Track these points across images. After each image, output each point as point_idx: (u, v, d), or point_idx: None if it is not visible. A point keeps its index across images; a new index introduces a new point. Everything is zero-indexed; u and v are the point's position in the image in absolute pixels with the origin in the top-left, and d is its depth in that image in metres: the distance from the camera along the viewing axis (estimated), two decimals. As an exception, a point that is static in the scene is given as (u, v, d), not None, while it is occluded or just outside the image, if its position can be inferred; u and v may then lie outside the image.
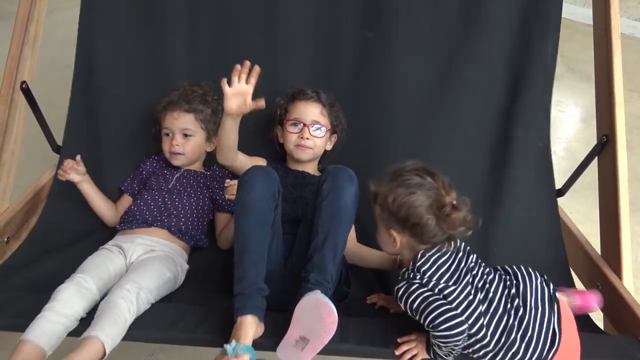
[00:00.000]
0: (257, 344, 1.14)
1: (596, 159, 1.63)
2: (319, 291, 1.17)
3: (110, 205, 1.61)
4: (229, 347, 1.10)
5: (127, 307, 1.16)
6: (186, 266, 1.47)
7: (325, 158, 1.70)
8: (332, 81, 1.75)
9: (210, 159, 1.70)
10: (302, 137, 1.59)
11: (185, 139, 1.60)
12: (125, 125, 1.72)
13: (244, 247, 1.23)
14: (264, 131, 1.71)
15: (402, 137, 1.75)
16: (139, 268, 1.33)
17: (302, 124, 1.60)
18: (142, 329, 1.18)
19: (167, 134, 1.61)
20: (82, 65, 1.71)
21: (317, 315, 1.11)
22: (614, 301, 1.39)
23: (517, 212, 1.67)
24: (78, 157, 1.54)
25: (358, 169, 1.33)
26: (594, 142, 1.63)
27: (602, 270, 1.48)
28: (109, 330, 1.12)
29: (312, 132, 1.59)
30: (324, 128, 1.61)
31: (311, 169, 1.65)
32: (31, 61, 1.61)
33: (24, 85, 1.58)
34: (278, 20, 1.76)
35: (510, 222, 1.66)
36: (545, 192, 1.70)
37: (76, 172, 1.53)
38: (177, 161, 1.62)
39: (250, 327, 1.15)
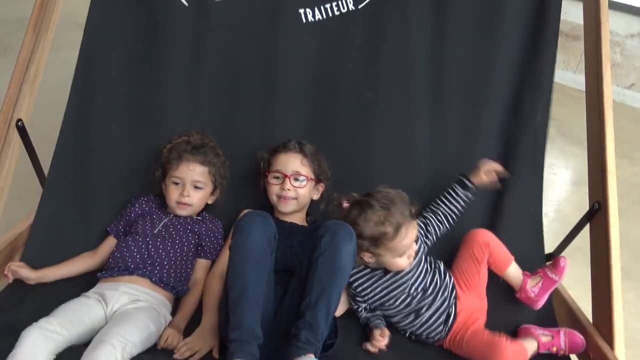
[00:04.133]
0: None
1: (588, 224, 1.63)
2: (312, 356, 1.14)
3: (82, 261, 1.56)
4: None
5: None
6: (169, 317, 1.43)
7: (313, 208, 1.69)
8: (329, 138, 1.76)
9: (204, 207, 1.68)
10: (283, 189, 1.59)
11: (195, 190, 1.59)
12: (115, 166, 1.71)
13: (241, 293, 1.22)
14: (252, 181, 1.70)
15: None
16: (123, 320, 1.29)
17: (282, 176, 1.60)
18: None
19: (177, 183, 1.59)
20: (76, 100, 1.70)
21: None
22: (606, 372, 1.37)
23: None
24: (19, 263, 1.48)
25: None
26: (585, 204, 1.64)
27: (594, 339, 1.46)
28: None
29: (292, 183, 1.60)
30: (305, 178, 1.61)
31: (298, 219, 1.65)
32: (29, 99, 1.62)
33: (19, 123, 1.57)
34: (277, 75, 1.78)
35: (499, 287, 1.63)
36: (536, 257, 1.69)
37: (21, 272, 1.46)
38: (183, 212, 1.59)
39: None
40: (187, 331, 1.39)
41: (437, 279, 1.51)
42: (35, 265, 1.52)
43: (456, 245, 1.62)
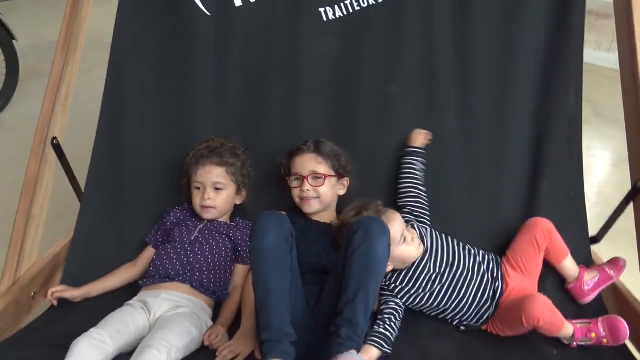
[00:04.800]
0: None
1: (631, 204, 1.57)
2: (354, 352, 1.13)
3: (124, 273, 1.60)
4: None
5: None
6: (211, 322, 1.45)
7: (343, 205, 1.67)
8: (354, 134, 1.76)
9: (235, 210, 1.70)
10: (302, 190, 1.60)
11: (216, 192, 1.60)
12: (149, 178, 1.74)
13: (265, 294, 1.22)
14: (281, 183, 1.70)
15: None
16: (166, 325, 1.31)
17: (301, 177, 1.61)
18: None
19: (198, 188, 1.62)
20: (107, 117, 1.75)
21: None
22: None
23: None
24: (61, 287, 1.52)
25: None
26: (627, 186, 1.59)
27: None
28: None
29: (311, 183, 1.60)
30: (322, 176, 1.61)
31: (329, 218, 1.64)
32: (62, 118, 1.66)
33: (54, 141, 1.61)
34: (300, 75, 1.79)
35: (543, 275, 1.59)
36: (579, 241, 1.65)
37: (66, 295, 1.50)
38: (208, 214, 1.61)
39: None
40: (229, 336, 1.40)
41: (463, 253, 1.51)
42: (77, 278, 1.56)
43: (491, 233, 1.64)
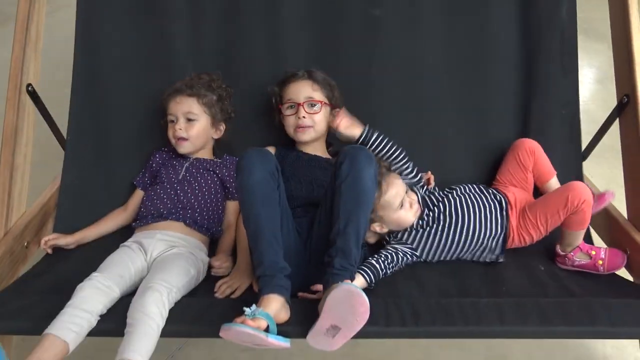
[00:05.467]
0: (285, 333, 1.13)
1: (617, 120, 1.58)
2: (349, 281, 1.15)
3: (115, 217, 1.60)
4: (248, 310, 1.11)
5: (159, 312, 1.17)
6: (207, 259, 1.46)
7: (334, 139, 1.67)
8: (340, 62, 1.72)
9: (220, 148, 1.68)
10: (298, 117, 1.57)
11: (188, 123, 1.58)
12: (131, 119, 1.71)
13: (256, 230, 1.23)
14: (267, 116, 1.68)
15: (413, 116, 1.73)
16: (164, 266, 1.32)
17: (296, 104, 1.58)
18: (169, 324, 1.18)
19: (172, 120, 1.60)
20: (82, 60, 1.69)
21: (349, 305, 1.09)
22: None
23: None
24: (53, 235, 1.51)
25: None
26: (612, 103, 1.59)
27: (630, 235, 1.45)
28: (144, 349, 1.12)
29: (307, 109, 1.57)
30: (319, 104, 1.58)
31: (320, 150, 1.64)
32: (35, 62, 1.60)
33: (29, 88, 1.56)
34: (281, 3, 1.72)
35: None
36: (572, 160, 1.68)
37: (59, 242, 1.50)
38: (182, 148, 1.60)
39: (273, 302, 1.15)
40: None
41: (463, 198, 1.49)
42: (69, 225, 1.56)
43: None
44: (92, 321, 1.17)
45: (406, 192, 1.46)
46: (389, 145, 1.51)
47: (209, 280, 1.41)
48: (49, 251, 1.50)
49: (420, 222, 1.47)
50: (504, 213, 1.48)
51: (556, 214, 1.42)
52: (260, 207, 1.23)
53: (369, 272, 1.36)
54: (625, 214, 1.53)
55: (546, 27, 1.69)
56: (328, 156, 1.64)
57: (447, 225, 1.45)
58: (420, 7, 1.72)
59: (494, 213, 1.48)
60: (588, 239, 1.55)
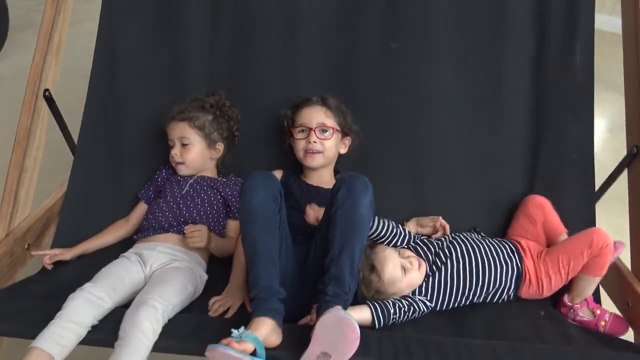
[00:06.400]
0: (275, 358, 1.12)
1: (626, 170, 1.58)
2: (340, 307, 1.14)
3: (116, 229, 1.60)
4: (235, 332, 1.09)
5: (152, 328, 1.16)
6: (205, 276, 1.46)
7: (341, 165, 1.68)
8: (354, 88, 1.73)
9: (227, 168, 1.69)
10: (309, 142, 1.57)
11: (184, 147, 1.60)
12: (142, 133, 1.72)
13: (254, 252, 1.23)
14: (278, 139, 1.69)
15: (424, 146, 1.73)
16: (162, 281, 1.32)
17: (307, 129, 1.59)
18: (160, 340, 1.17)
19: (171, 145, 1.62)
20: (99, 71, 1.72)
21: (340, 331, 1.08)
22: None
23: None
24: (53, 251, 1.49)
25: (375, 177, 1.32)
26: (622, 152, 1.59)
27: (632, 287, 1.43)
28: None
29: (318, 135, 1.58)
30: (331, 130, 1.59)
31: (326, 178, 1.63)
32: (54, 69, 1.63)
33: (46, 93, 1.59)
34: (298, 27, 1.75)
35: None
36: (584, 204, 1.66)
37: (61, 257, 1.49)
38: (180, 171, 1.62)
39: (264, 325, 1.14)
40: (219, 291, 1.41)
41: (466, 243, 1.47)
42: (70, 232, 1.57)
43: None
44: (80, 333, 1.17)
45: (400, 255, 1.42)
46: (393, 233, 1.47)
47: (205, 296, 1.40)
48: (49, 267, 1.47)
49: (429, 269, 1.44)
50: (515, 255, 1.47)
51: (580, 256, 1.40)
52: (259, 230, 1.23)
53: (377, 306, 1.31)
54: (629, 265, 1.51)
55: (559, 72, 1.69)
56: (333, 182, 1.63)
57: (458, 265, 1.43)
58: (437, 43, 1.73)
59: (505, 253, 1.47)
60: (596, 295, 1.52)
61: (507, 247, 1.49)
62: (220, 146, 1.65)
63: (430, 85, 1.73)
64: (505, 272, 1.44)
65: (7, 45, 3.24)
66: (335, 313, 1.09)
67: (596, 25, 1.71)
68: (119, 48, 1.74)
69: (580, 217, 1.62)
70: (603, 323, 1.43)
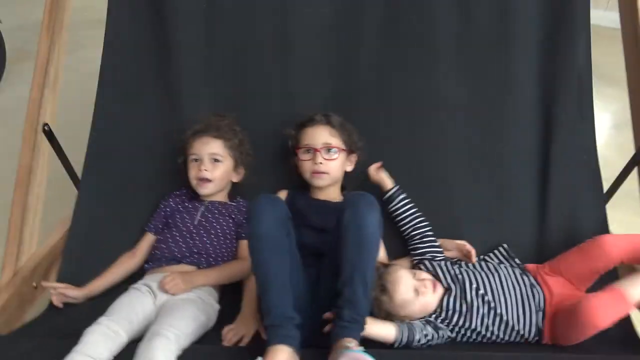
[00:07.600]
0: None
1: (636, 168, 1.57)
2: (355, 343, 1.12)
3: (124, 264, 1.55)
4: None
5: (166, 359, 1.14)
6: (217, 306, 1.43)
7: (348, 181, 1.66)
8: (354, 107, 1.72)
9: (235, 190, 1.67)
10: (315, 163, 1.56)
11: (213, 164, 1.57)
12: (145, 163, 1.70)
13: (266, 278, 1.21)
14: (281, 160, 1.67)
15: (425, 159, 1.71)
16: (173, 312, 1.29)
17: (313, 150, 1.57)
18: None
19: (195, 160, 1.58)
20: (102, 102, 1.71)
21: None
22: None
23: (564, 222, 1.63)
24: (63, 285, 1.47)
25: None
26: (628, 148, 1.58)
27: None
28: None
29: (324, 155, 1.56)
30: (336, 150, 1.57)
31: (333, 194, 1.61)
32: (52, 103, 1.61)
33: (46, 128, 1.57)
34: (294, 46, 1.74)
35: (559, 233, 1.61)
36: (595, 204, 1.64)
37: (68, 294, 1.45)
38: (204, 189, 1.57)
39: (280, 354, 1.12)
40: (231, 318, 1.39)
41: (480, 272, 1.43)
42: (77, 269, 1.55)
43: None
44: None
45: (414, 277, 1.38)
46: (412, 210, 1.50)
47: (218, 326, 1.37)
48: (59, 305, 1.44)
49: (448, 299, 1.38)
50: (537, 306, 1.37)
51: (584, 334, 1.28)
52: (269, 256, 1.21)
53: (407, 331, 1.28)
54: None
55: (563, 73, 1.68)
56: (340, 199, 1.61)
57: (479, 308, 1.36)
58: (437, 55, 1.73)
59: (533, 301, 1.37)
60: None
61: (536, 297, 1.38)
62: (242, 170, 1.63)
63: (433, 97, 1.72)
64: (536, 307, 1.36)
65: (5, 77, 3.24)
66: (352, 356, 1.07)
67: (593, 22, 1.70)
68: (123, 82, 1.73)
69: (593, 219, 1.61)
70: None
